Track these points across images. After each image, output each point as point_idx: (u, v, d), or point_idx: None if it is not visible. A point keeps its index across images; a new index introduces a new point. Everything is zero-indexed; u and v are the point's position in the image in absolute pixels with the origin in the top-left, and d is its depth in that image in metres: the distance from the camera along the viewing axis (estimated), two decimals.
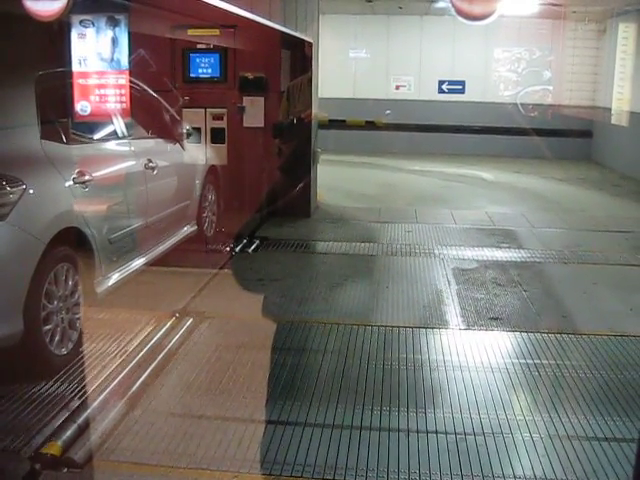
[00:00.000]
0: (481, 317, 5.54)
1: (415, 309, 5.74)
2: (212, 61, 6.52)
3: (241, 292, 5.94)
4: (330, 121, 13.54)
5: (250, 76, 6.42)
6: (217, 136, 6.57)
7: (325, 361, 4.63)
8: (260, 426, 3.76)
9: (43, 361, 4.20)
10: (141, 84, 5.95)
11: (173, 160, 6.26)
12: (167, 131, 6.17)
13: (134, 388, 4.13)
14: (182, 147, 6.32)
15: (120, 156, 5.64)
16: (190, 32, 6.47)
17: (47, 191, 4.45)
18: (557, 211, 10.15)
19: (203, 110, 6.56)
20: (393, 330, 5.19)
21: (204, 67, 6.52)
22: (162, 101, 6.16)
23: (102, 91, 5.40)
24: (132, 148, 5.70)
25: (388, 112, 15.51)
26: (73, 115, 5.15)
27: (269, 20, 6.47)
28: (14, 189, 4.06)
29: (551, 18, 14.74)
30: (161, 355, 4.60)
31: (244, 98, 6.50)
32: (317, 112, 8.51)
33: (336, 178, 11.54)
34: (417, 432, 3.76)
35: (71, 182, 4.65)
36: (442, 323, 5.42)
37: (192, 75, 6.53)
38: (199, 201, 6.70)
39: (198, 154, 6.78)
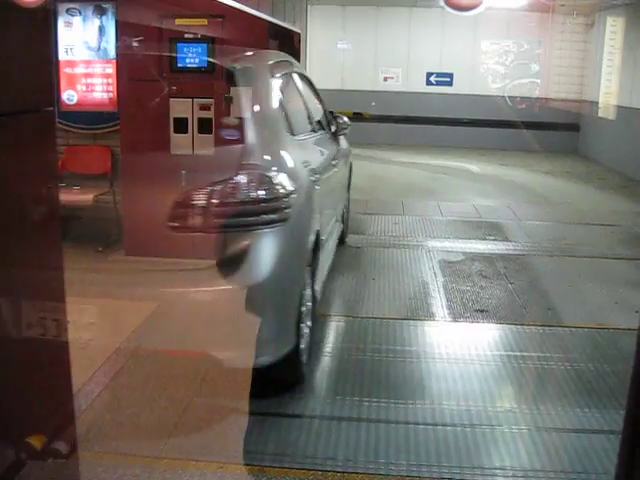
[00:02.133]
0: (467, 309, 5.56)
1: (401, 301, 5.75)
2: (200, 51, 6.48)
3: None
4: None
5: (238, 67, 6.39)
6: (204, 126, 6.54)
7: (313, 353, 4.64)
8: (243, 418, 3.77)
9: (298, 371, 4.02)
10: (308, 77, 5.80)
11: (340, 155, 6.18)
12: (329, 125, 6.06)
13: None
14: (339, 142, 6.22)
15: (329, 151, 5.36)
16: (178, 21, 6.43)
17: (303, 190, 3.93)
18: (543, 204, 10.19)
19: (190, 100, 6.52)
20: (379, 322, 5.20)
21: (192, 57, 6.48)
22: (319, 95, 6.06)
23: None
24: (335, 144, 5.47)
25: (373, 104, 15.51)
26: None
27: (257, 10, 6.45)
28: (290, 188, 3.61)
29: (539, 11, 14.77)
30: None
31: (232, 88, 6.47)
32: None
33: None
34: (401, 423, 3.77)
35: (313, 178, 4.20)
36: (428, 315, 5.44)
37: (179, 65, 6.49)
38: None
39: (345, 148, 6.78)
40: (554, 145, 15.10)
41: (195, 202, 3.43)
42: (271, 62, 4.57)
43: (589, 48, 15.39)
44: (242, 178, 3.48)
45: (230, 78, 4.08)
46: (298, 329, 3.80)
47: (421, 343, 4.90)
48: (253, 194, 3.45)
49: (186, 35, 6.52)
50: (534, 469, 3.39)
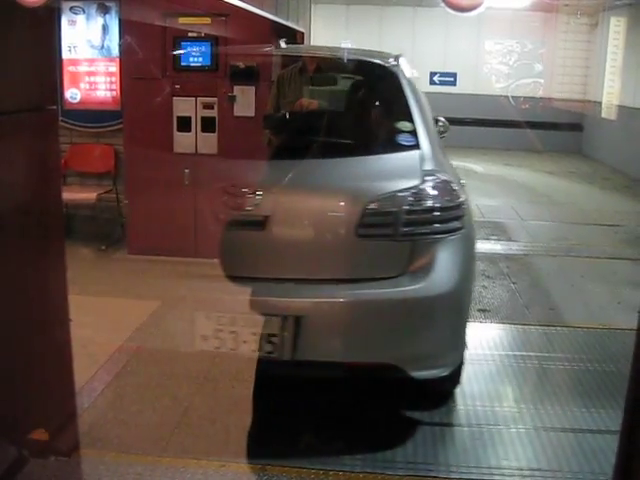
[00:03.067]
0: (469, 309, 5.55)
1: None
2: (203, 49, 6.49)
3: None
4: None
5: (241, 65, 6.39)
6: (207, 125, 6.55)
7: None
8: (246, 416, 3.77)
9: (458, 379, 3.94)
10: None
11: None
12: None
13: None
14: None
15: None
16: (181, 20, 6.44)
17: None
18: (546, 204, 10.17)
19: (194, 99, 6.53)
20: None
21: (195, 55, 6.49)
22: None
23: None
24: None
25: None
26: None
27: (261, 9, 6.44)
28: (464, 194, 3.54)
29: (543, 11, 14.75)
30: None
31: (235, 87, 6.47)
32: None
33: None
34: (402, 423, 3.78)
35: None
36: None
37: (183, 63, 6.50)
38: None
39: None
40: (557, 145, 15.07)
41: (385, 209, 3.33)
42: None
43: (592, 48, 15.36)
44: (428, 185, 3.41)
45: (393, 79, 3.98)
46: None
47: None
48: (440, 201, 3.40)
49: (190, 34, 6.53)
50: (531, 468, 3.39)
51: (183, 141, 6.60)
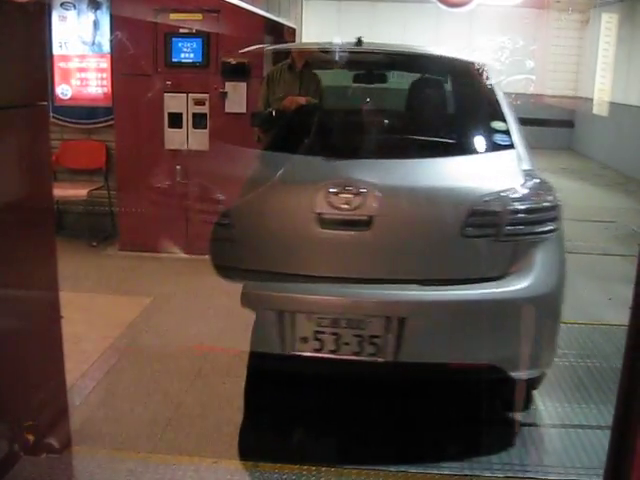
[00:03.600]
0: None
1: None
2: (194, 46, 6.47)
3: None
4: None
5: (232, 61, 6.38)
6: (198, 121, 6.54)
7: None
8: (238, 413, 3.77)
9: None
10: None
11: None
12: None
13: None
14: None
15: None
16: (172, 16, 6.42)
17: None
18: None
19: (185, 95, 6.52)
20: None
21: (186, 52, 6.47)
22: None
23: None
24: None
25: (367, 100, 15.48)
26: None
27: (252, 5, 6.43)
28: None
29: (535, 7, 14.77)
30: None
31: (226, 83, 6.46)
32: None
33: None
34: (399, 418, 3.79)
35: None
36: None
37: (174, 60, 6.48)
38: None
39: None
40: (549, 142, 15.09)
41: (492, 209, 3.28)
42: None
43: (584, 45, 15.40)
44: (530, 185, 3.40)
45: (483, 78, 3.96)
46: None
47: None
48: (541, 202, 3.39)
49: (181, 30, 6.51)
50: (524, 464, 3.40)
51: (174, 137, 6.58)
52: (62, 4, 6.92)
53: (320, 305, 3.29)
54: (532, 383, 3.67)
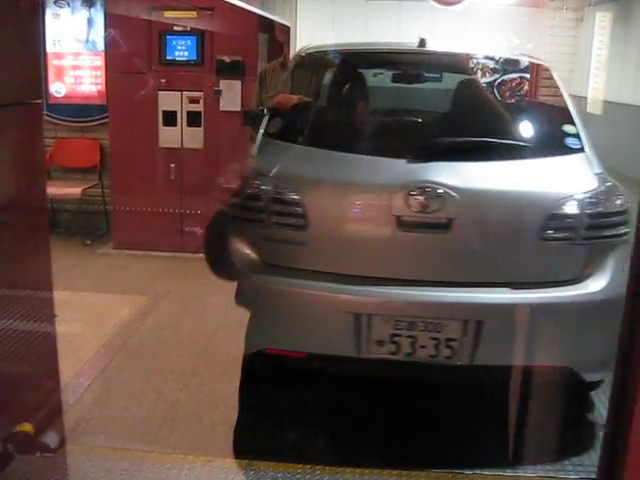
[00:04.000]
0: None
1: None
2: (189, 43, 6.46)
3: None
4: None
5: (227, 59, 6.37)
6: (193, 119, 6.54)
7: None
8: (232, 411, 3.77)
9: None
10: None
11: None
12: None
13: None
14: None
15: None
16: (167, 14, 6.41)
17: None
18: None
19: (179, 93, 6.51)
20: None
21: (180, 49, 6.46)
22: None
23: None
24: None
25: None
26: None
27: (246, 3, 6.41)
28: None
29: (529, 6, 14.78)
30: None
31: (221, 81, 6.45)
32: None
33: None
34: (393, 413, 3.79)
35: None
36: None
37: (168, 57, 6.47)
38: None
39: None
40: None
41: (571, 212, 3.28)
42: None
43: (578, 43, 15.41)
44: (605, 189, 3.39)
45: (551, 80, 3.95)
46: None
47: None
48: (615, 205, 3.38)
49: (175, 27, 6.50)
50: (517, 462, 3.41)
51: (169, 135, 6.58)
52: (56, 1, 6.90)
53: (398, 308, 3.28)
54: (592, 385, 3.65)
